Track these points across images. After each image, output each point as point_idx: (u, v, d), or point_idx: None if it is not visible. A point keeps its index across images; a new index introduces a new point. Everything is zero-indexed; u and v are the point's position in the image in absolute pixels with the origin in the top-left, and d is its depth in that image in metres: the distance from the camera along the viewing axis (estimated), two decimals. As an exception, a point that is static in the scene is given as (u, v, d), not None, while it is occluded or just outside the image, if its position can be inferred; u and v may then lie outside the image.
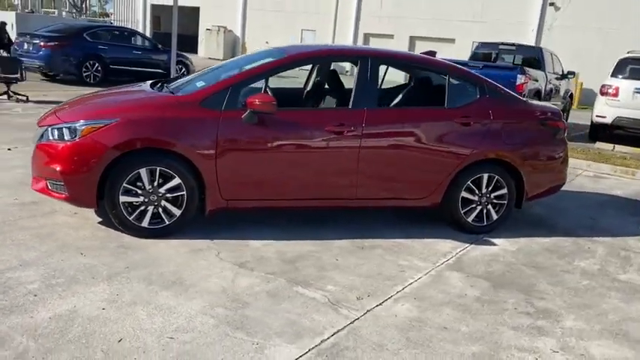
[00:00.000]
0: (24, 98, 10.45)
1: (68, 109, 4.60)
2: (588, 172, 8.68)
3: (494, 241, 4.99)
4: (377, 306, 3.57)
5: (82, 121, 4.23)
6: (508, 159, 5.00)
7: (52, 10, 42.26)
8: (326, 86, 5.78)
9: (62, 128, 4.24)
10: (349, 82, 5.02)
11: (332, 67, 5.94)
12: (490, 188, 5.03)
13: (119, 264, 3.83)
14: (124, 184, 4.17)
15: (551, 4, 24.95)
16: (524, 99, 5.44)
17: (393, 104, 5.14)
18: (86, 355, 2.76)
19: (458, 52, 21.84)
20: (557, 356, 3.18)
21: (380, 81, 5.98)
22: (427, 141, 4.77)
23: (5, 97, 10.44)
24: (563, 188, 7.09)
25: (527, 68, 11.97)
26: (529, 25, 25.19)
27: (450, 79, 4.98)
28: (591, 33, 23.74)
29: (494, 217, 5.12)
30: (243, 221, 4.82)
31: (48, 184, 4.30)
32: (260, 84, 4.63)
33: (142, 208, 4.26)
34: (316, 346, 3.04)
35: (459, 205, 4.99)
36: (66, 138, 4.20)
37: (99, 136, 4.12)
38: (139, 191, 4.22)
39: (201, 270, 3.86)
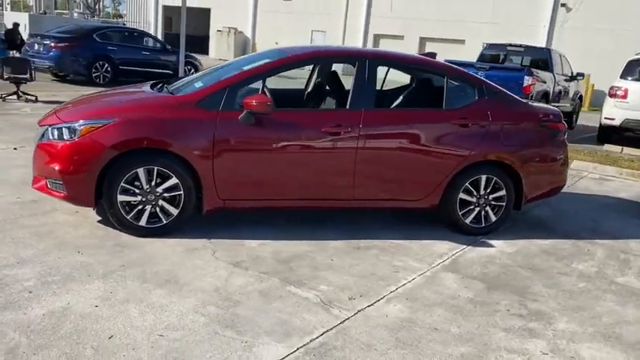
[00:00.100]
0: (33, 98, 10.58)
1: (68, 109, 4.67)
2: (594, 175, 8.62)
3: (492, 242, 4.98)
4: (368, 306, 3.58)
5: (81, 120, 4.29)
6: (507, 160, 5.00)
7: (67, 11, 42.70)
8: (327, 87, 5.80)
9: (62, 128, 4.30)
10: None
11: (333, 69, 5.96)
12: (488, 190, 5.02)
13: (115, 262, 3.88)
14: (122, 184, 4.22)
15: (563, 4, 24.80)
16: (525, 100, 5.42)
17: (390, 105, 5.15)
18: (76, 352, 2.80)
19: (468, 53, 21.76)
20: (546, 358, 3.18)
21: (381, 82, 6.04)
22: (425, 142, 4.77)
23: (15, 97, 10.58)
24: (567, 190, 7.08)
25: (535, 70, 11.91)
26: (540, 27, 25.06)
27: (449, 81, 4.98)
28: (603, 34, 23.56)
29: (493, 218, 5.11)
30: (240, 221, 4.86)
31: (47, 183, 4.37)
32: (260, 85, 4.68)
33: (140, 207, 4.31)
34: (304, 345, 3.06)
35: (457, 206, 4.98)
36: (65, 137, 4.26)
37: (97, 136, 4.18)
38: (137, 190, 4.27)
39: (196, 269, 3.89)
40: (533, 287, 4.14)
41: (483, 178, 4.98)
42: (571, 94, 14.27)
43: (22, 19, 22.08)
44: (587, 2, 23.93)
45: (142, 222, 4.33)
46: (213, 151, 4.31)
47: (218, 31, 33.96)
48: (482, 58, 13.71)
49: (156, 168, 4.25)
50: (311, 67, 6.19)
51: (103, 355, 2.80)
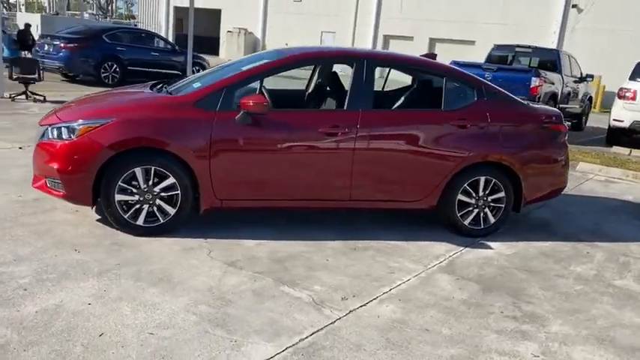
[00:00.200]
0: (41, 98, 10.69)
1: (68, 109, 4.72)
2: (600, 177, 8.55)
3: (491, 244, 4.96)
4: (361, 307, 3.59)
5: (80, 120, 4.33)
6: (506, 162, 4.97)
7: (79, 12, 43.12)
8: (327, 88, 5.80)
9: (61, 127, 4.35)
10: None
11: (333, 69, 5.96)
12: (487, 191, 5.00)
13: (111, 261, 3.91)
14: (120, 183, 4.25)
15: (574, 6, 24.63)
16: (525, 102, 5.38)
17: (389, 106, 5.15)
18: (66, 349, 2.83)
19: (479, 54, 21.67)
20: (537, 361, 3.16)
21: (383, 83, 6.05)
22: (423, 143, 4.77)
23: (23, 96, 10.69)
24: (571, 192, 7.04)
25: (543, 71, 11.84)
26: (551, 28, 24.91)
27: (447, 82, 4.96)
28: (615, 35, 23.37)
29: (492, 220, 5.08)
30: (238, 221, 4.88)
31: (47, 182, 4.42)
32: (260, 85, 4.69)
33: (137, 206, 4.34)
34: (293, 344, 3.07)
35: (456, 207, 4.97)
36: (64, 137, 4.31)
37: (95, 136, 4.22)
38: (134, 190, 4.30)
39: (191, 268, 3.92)
40: (529, 289, 4.12)
41: (482, 179, 4.96)
42: (580, 96, 14.17)
43: (34, 20, 22.34)
44: (598, 3, 23.74)
45: (140, 221, 4.36)
46: (210, 151, 4.33)
47: (228, 32, 34.12)
48: (490, 59, 13.65)
49: (153, 167, 4.28)
50: (311, 68, 6.19)
51: (92, 352, 2.82)
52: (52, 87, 12.36)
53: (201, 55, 17.59)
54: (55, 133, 4.37)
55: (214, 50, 33.75)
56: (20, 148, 6.88)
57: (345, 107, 4.71)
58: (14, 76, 10.71)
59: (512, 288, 4.11)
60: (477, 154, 4.88)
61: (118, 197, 4.28)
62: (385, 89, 5.87)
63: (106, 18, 43.14)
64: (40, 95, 10.78)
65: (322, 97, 5.64)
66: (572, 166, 8.85)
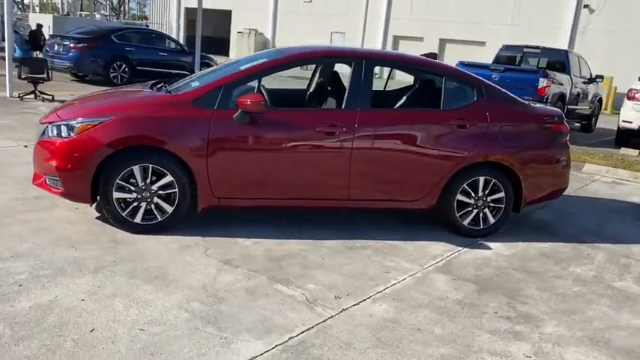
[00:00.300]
0: (50, 97, 10.79)
1: (68, 107, 4.76)
2: (606, 178, 8.46)
3: (490, 244, 4.93)
4: (354, 305, 3.58)
5: (79, 118, 4.37)
6: (505, 162, 4.94)
7: (93, 12, 43.49)
8: (328, 88, 5.80)
9: (60, 125, 4.39)
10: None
11: (334, 69, 5.96)
12: (487, 191, 4.98)
13: (107, 258, 3.94)
14: (118, 181, 4.29)
15: (586, 6, 24.43)
16: (526, 102, 5.35)
17: (387, 106, 5.14)
18: (56, 344, 2.86)
19: (489, 55, 21.55)
20: (528, 361, 3.14)
21: (385, 82, 6.04)
22: (421, 143, 4.75)
23: (32, 96, 10.80)
24: (576, 193, 6.99)
25: (551, 71, 11.75)
26: (562, 28, 24.70)
27: (447, 81, 4.94)
28: (628, 36, 23.14)
29: (492, 220, 5.06)
30: (236, 219, 4.89)
31: (46, 180, 4.46)
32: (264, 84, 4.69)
33: (135, 204, 4.37)
34: (283, 342, 3.07)
35: (455, 207, 4.95)
36: (63, 135, 4.35)
37: (93, 134, 4.25)
38: (132, 188, 4.33)
39: (186, 266, 3.94)
40: (526, 290, 4.09)
41: (481, 179, 4.94)
42: (590, 97, 14.04)
43: (46, 20, 22.56)
44: (610, 3, 23.53)
45: (137, 219, 4.39)
46: (207, 149, 4.35)
47: (239, 32, 34.23)
48: (498, 59, 13.56)
49: (151, 166, 4.31)
50: (313, 67, 6.20)
51: (82, 347, 2.85)
52: (61, 86, 12.47)
53: (211, 55, 17.67)
54: (55, 131, 4.41)
55: (225, 51, 33.90)
56: (25, 146, 6.94)
57: (343, 106, 4.71)
58: (23, 76, 10.82)
59: (508, 288, 4.08)
60: (476, 154, 4.85)
61: (116, 195, 4.31)
62: (383, 89, 5.85)
63: (119, 19, 43.43)
64: (49, 95, 10.88)
65: (323, 96, 5.64)
66: (579, 167, 8.80)
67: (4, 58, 11.70)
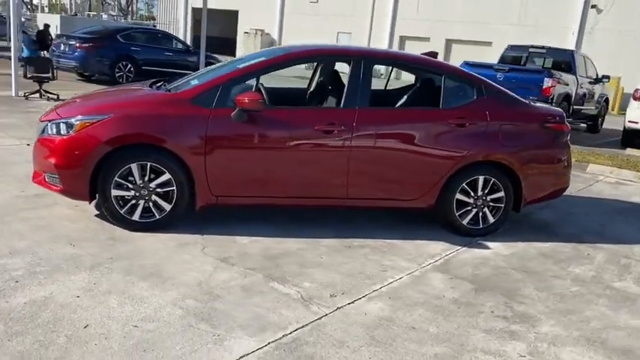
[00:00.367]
0: (55, 97, 10.85)
1: (68, 105, 4.79)
2: (610, 179, 8.41)
3: (489, 244, 4.91)
4: (349, 304, 3.57)
5: (78, 116, 4.39)
6: (505, 161, 4.92)
7: (100, 12, 43.73)
8: (328, 87, 5.79)
9: (60, 123, 4.41)
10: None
11: (335, 68, 5.95)
12: (486, 191, 4.96)
13: (104, 255, 3.95)
14: (116, 178, 4.30)
15: (593, 6, 24.28)
16: (527, 101, 5.32)
17: (386, 104, 5.13)
18: (49, 339, 2.87)
19: (495, 55, 21.48)
20: (523, 361, 3.12)
21: (386, 81, 6.03)
22: (420, 141, 4.74)
23: (37, 95, 10.87)
24: (579, 194, 6.96)
25: (557, 72, 11.70)
26: (569, 29, 24.56)
27: (446, 80, 4.93)
28: (635, 37, 22.97)
29: (491, 220, 5.03)
30: (236, 218, 4.89)
31: (46, 177, 4.48)
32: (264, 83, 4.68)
33: (133, 202, 4.38)
34: (276, 339, 3.07)
35: (454, 207, 4.93)
36: (62, 132, 4.36)
37: (92, 131, 4.27)
38: (131, 185, 4.34)
39: (183, 263, 3.94)
40: (524, 290, 4.06)
41: (481, 178, 4.91)
42: (596, 97, 13.96)
43: (54, 20, 22.70)
44: (618, 3, 23.38)
45: (136, 216, 4.40)
46: (205, 147, 4.36)
47: (245, 33, 34.30)
48: (503, 60, 13.51)
49: (149, 163, 4.32)
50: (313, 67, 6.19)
51: (75, 343, 2.86)
52: (67, 86, 12.54)
53: (217, 55, 17.70)
54: (54, 128, 4.43)
55: (231, 51, 33.96)
56: (28, 144, 6.96)
57: (341, 105, 4.71)
58: (28, 75, 10.88)
59: (506, 288, 4.06)
60: (475, 153, 4.83)
61: (115, 192, 4.33)
62: (382, 87, 5.83)
63: (126, 19, 43.63)
64: (54, 94, 10.94)
65: (323, 95, 5.64)
66: (583, 167, 8.75)
67: (10, 58, 11.78)
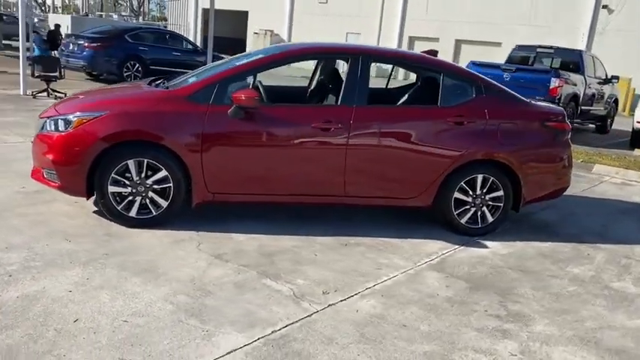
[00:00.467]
0: (62, 95, 10.90)
1: (66, 102, 4.82)
2: (615, 179, 8.32)
3: (487, 243, 4.88)
4: (341, 301, 3.56)
5: (77, 113, 4.42)
6: (504, 160, 4.88)
7: (110, 13, 44.04)
8: (329, 85, 5.78)
9: (58, 120, 4.44)
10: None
11: (335, 66, 5.95)
12: (485, 190, 4.92)
13: (99, 251, 3.97)
14: (113, 175, 4.32)
15: (604, 6, 24.04)
16: (527, 100, 5.27)
17: (384, 102, 5.11)
18: (39, 333, 2.89)
19: (505, 55, 21.37)
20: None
21: (387, 79, 6.01)
22: (417, 139, 4.71)
23: (45, 94, 10.96)
24: (583, 194, 6.90)
25: (565, 72, 11.61)
26: (580, 29, 24.35)
27: (445, 78, 4.90)
28: (647, 37, 22.75)
29: (490, 219, 5.00)
30: (233, 215, 4.90)
31: (44, 173, 4.52)
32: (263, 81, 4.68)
33: (130, 198, 4.40)
34: (265, 335, 3.07)
35: (452, 205, 4.90)
36: (60, 129, 4.40)
37: (89, 128, 4.29)
38: (127, 182, 4.36)
39: (177, 259, 3.95)
40: (519, 289, 4.03)
41: (479, 177, 4.88)
42: (605, 98, 13.83)
43: (65, 20, 22.89)
44: (630, 4, 23.15)
45: (132, 213, 4.42)
46: (202, 144, 4.36)
47: (255, 33, 34.39)
48: (511, 60, 13.43)
49: (146, 160, 4.34)
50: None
51: (64, 337, 2.87)
52: (75, 85, 12.62)
53: (225, 55, 17.74)
54: (53, 125, 4.46)
55: (241, 51, 33.80)
56: (32, 142, 7.02)
57: (338, 102, 4.70)
58: (36, 74, 10.98)
59: (501, 287, 4.03)
60: (474, 152, 4.80)
61: (112, 189, 4.35)
62: (381, 85, 5.81)
63: (137, 19, 43.93)
64: (62, 93, 11.01)
65: (323, 93, 5.63)
66: (588, 168, 8.68)
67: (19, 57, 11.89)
